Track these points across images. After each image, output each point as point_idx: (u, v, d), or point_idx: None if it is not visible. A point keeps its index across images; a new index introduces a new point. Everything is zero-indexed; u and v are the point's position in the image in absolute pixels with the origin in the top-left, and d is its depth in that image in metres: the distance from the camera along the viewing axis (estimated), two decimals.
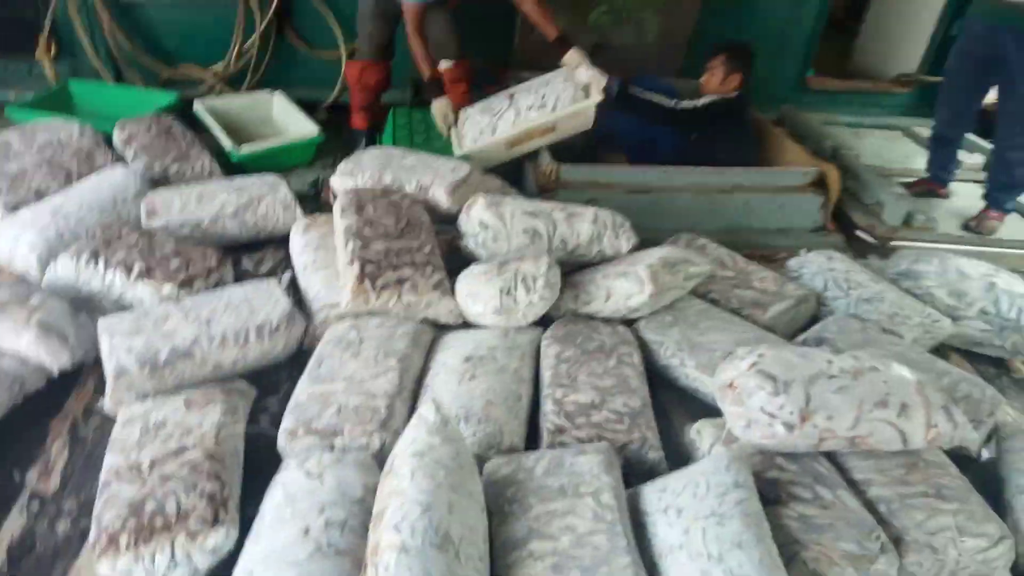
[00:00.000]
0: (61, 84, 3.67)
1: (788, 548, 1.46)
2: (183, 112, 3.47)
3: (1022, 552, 1.65)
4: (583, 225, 2.26)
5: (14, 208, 2.52)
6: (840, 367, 1.66)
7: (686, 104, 3.15)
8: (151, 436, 1.63)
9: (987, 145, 3.68)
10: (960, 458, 1.85)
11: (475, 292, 2.05)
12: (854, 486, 1.68)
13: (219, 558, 1.47)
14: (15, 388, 1.83)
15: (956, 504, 1.61)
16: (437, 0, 3.07)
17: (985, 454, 1.94)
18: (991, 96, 3.24)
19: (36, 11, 3.73)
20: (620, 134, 3.16)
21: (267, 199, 2.63)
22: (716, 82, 3.24)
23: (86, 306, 2.14)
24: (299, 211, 2.65)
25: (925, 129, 4.24)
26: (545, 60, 3.15)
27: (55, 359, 1.88)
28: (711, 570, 1.34)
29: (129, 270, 2.16)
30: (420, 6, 2.92)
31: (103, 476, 1.57)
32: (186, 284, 2.16)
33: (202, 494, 1.47)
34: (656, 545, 1.48)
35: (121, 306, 2.16)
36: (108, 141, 3.04)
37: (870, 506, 1.62)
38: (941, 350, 2.40)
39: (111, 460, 1.60)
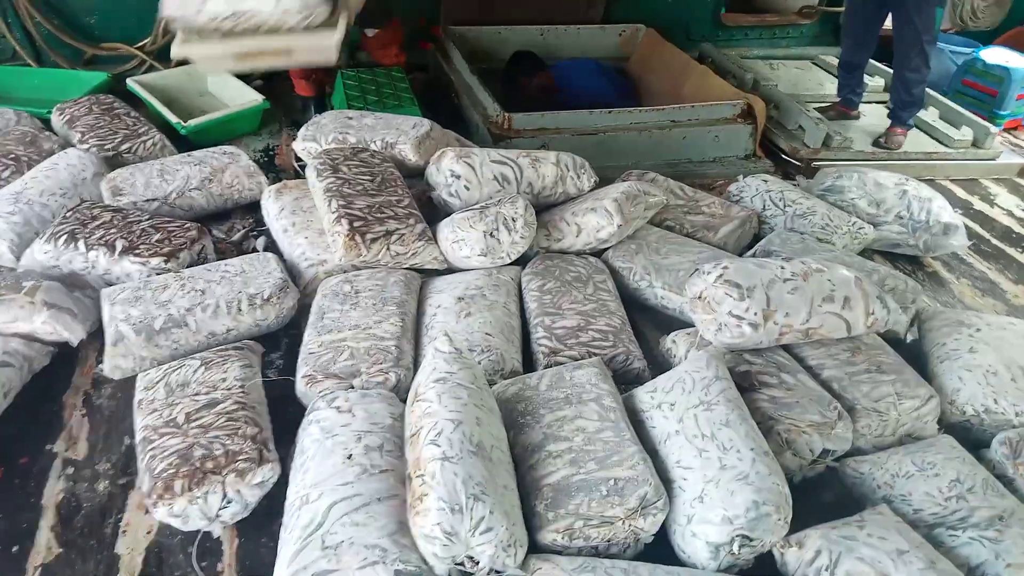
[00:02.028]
0: None
1: (764, 425, 1.71)
2: (115, 91, 3.41)
3: (945, 408, 1.97)
4: (547, 168, 2.43)
5: None
6: (791, 271, 1.91)
7: None
8: (179, 395, 1.73)
9: (886, 69, 4.01)
10: (890, 340, 2.15)
11: (460, 237, 2.20)
12: (809, 371, 1.95)
13: (265, 492, 1.61)
14: (24, 368, 1.89)
15: (893, 376, 1.91)
16: None
17: (910, 336, 2.25)
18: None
19: None
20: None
21: (230, 169, 2.68)
22: None
23: (71, 284, 2.18)
24: (263, 178, 2.72)
25: (831, 57, 4.58)
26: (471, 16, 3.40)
27: (72, 333, 1.94)
28: (706, 447, 1.58)
29: (112, 248, 2.20)
30: None
31: (140, 435, 1.67)
32: (172, 256, 2.21)
33: (244, 436, 1.60)
34: (655, 435, 1.70)
35: (108, 283, 2.20)
36: (47, 126, 3.00)
37: (825, 385, 1.89)
38: (865, 253, 2.72)
39: (144, 420, 1.69)
